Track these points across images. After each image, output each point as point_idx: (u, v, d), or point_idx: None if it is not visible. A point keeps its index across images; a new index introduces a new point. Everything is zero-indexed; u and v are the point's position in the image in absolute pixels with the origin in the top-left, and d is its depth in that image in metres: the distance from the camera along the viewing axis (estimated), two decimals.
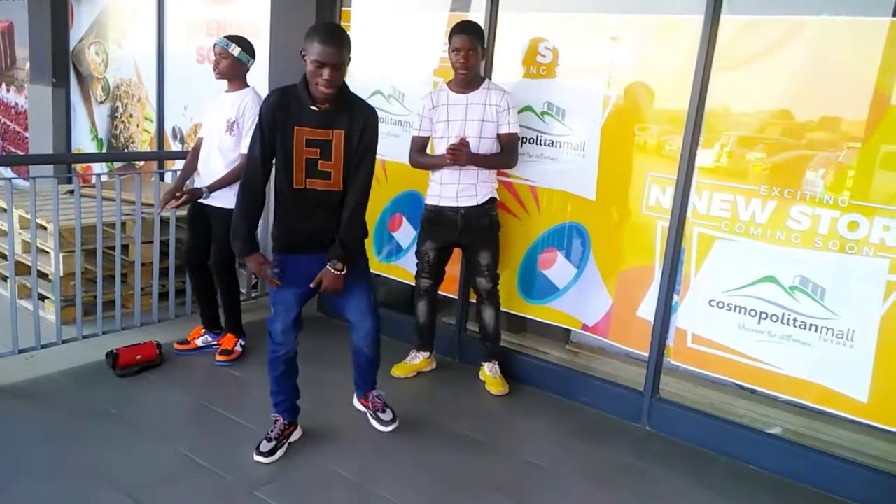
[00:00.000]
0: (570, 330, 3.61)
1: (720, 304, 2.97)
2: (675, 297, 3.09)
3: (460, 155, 3.11)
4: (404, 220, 3.91)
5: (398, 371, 3.50)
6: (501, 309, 3.44)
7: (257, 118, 2.43)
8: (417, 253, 3.38)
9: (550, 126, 3.35)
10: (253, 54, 3.29)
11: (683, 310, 3.08)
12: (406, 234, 3.94)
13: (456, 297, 3.74)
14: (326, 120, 2.40)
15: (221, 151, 3.27)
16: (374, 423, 2.80)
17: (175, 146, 5.37)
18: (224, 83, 3.36)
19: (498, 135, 3.18)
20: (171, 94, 5.30)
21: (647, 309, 3.17)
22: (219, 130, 3.27)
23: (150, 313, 3.76)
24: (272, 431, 2.71)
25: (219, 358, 3.41)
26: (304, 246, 2.47)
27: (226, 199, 3.26)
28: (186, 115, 5.27)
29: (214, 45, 3.27)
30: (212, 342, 3.58)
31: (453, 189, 3.19)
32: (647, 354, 3.18)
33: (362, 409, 2.90)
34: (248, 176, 2.43)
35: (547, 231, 3.43)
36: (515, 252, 3.49)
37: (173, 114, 5.33)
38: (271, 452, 2.67)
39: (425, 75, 3.75)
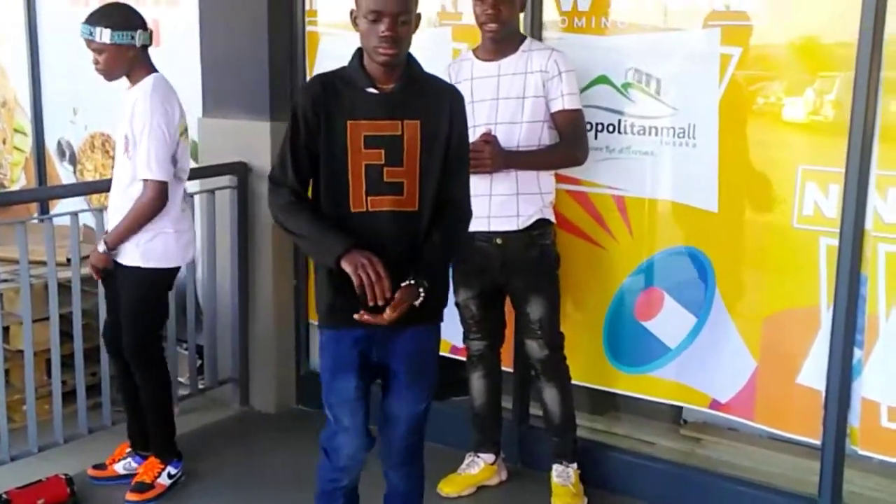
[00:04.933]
0: (680, 407, 3.51)
1: None
2: (858, 353, 2.93)
3: (483, 158, 2.97)
4: None
5: (448, 487, 3.33)
6: (579, 383, 3.32)
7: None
8: (457, 306, 3.27)
9: (639, 104, 3.21)
10: (137, 25, 3.11)
11: (872, 371, 2.91)
12: None
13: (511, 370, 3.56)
14: (393, 106, 2.35)
15: (119, 183, 3.21)
16: None
17: (63, 171, 5.13)
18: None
19: (551, 115, 3.06)
20: (52, 94, 5.12)
21: (812, 372, 3.01)
22: (118, 152, 3.21)
23: (50, 429, 3.52)
24: None
25: (130, 497, 3.27)
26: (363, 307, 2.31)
27: (129, 252, 3.19)
28: (77, 122, 5.05)
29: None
30: (137, 469, 3.40)
31: (484, 205, 3.04)
32: (818, 442, 3.00)
33: None
34: (278, 205, 2.37)
35: (645, 262, 3.30)
36: (598, 297, 3.35)
37: (58, 122, 5.15)
38: None
39: (439, 42, 3.61)
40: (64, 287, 3.56)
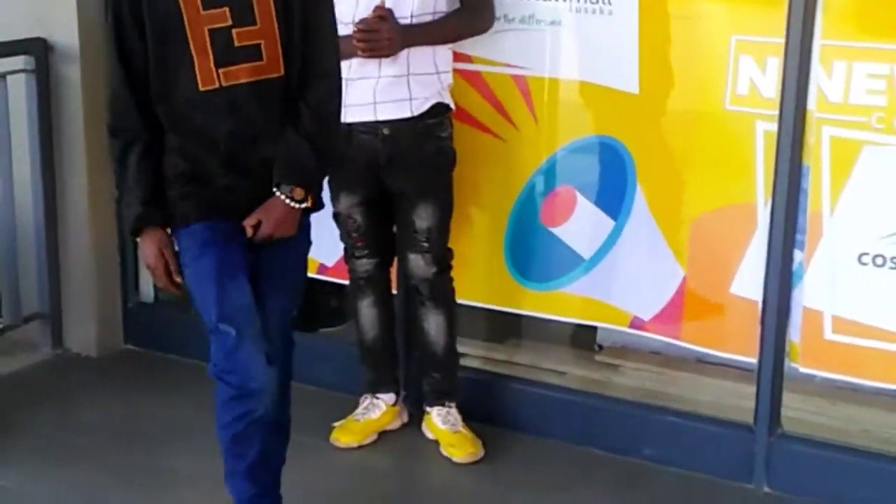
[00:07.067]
0: (594, 328, 3.63)
1: (879, 260, 2.87)
2: (798, 256, 3.00)
3: (379, 39, 2.98)
4: None
5: (344, 436, 3.35)
6: (475, 303, 3.43)
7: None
8: (335, 217, 3.26)
9: None
10: None
11: (814, 276, 2.98)
12: None
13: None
14: None
15: None
16: None
17: None
18: None
19: None
20: None
21: (747, 281, 3.07)
22: None
23: None
24: None
25: None
26: (232, 202, 2.40)
27: None
28: None
29: None
30: None
31: (368, 91, 3.05)
32: (754, 361, 3.07)
33: None
34: (113, 111, 2.43)
35: (553, 156, 3.32)
36: (497, 199, 3.39)
37: None
38: None
39: None
40: None
